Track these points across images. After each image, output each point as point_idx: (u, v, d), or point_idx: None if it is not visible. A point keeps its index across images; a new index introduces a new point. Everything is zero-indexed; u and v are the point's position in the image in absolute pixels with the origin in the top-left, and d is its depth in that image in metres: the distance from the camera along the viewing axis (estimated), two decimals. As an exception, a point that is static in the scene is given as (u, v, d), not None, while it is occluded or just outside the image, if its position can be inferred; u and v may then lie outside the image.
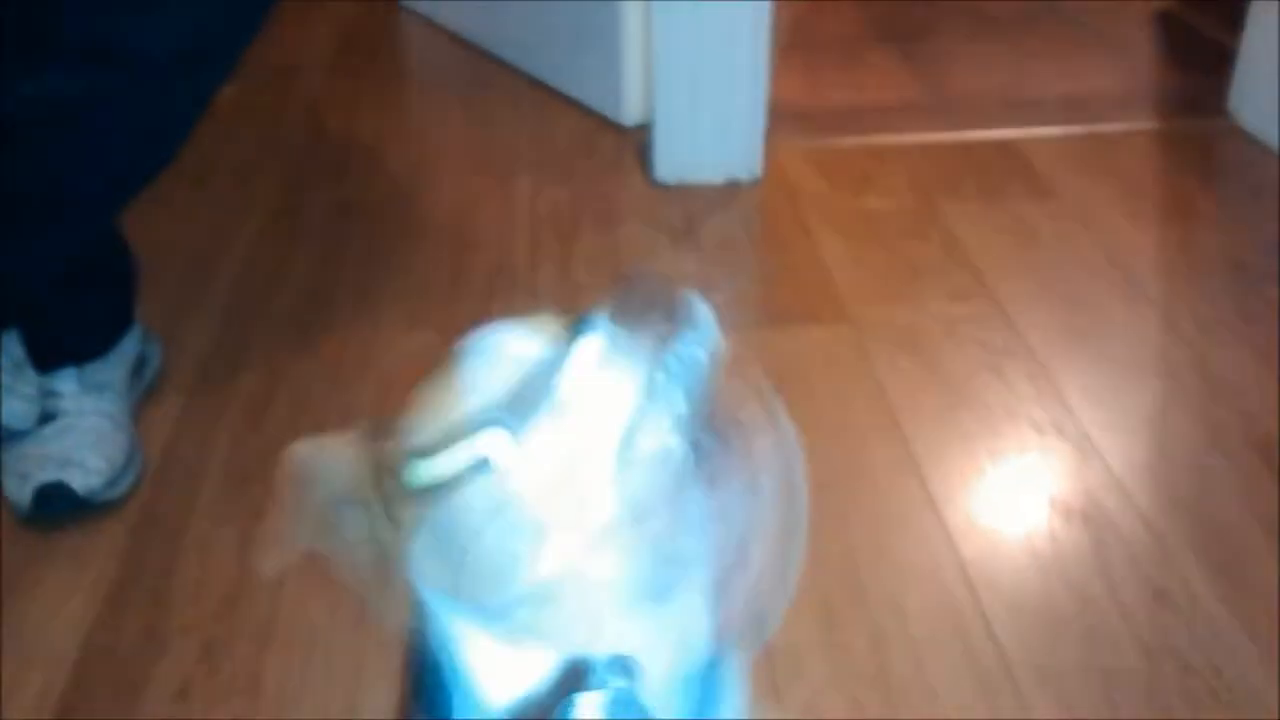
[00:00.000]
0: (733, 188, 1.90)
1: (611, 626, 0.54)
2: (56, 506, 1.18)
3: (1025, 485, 1.28)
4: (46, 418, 1.23)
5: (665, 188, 1.90)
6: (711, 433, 0.52)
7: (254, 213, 1.82)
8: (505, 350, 0.53)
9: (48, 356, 1.25)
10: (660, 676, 0.55)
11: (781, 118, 1.96)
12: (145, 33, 1.05)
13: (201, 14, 1.06)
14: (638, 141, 1.98)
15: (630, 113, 2.04)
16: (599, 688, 0.59)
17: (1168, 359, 1.48)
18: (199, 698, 1.04)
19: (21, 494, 1.19)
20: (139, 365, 1.36)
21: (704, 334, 0.52)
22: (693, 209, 1.85)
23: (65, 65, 1.04)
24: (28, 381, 1.23)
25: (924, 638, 1.09)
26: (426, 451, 0.51)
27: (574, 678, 0.67)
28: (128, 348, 1.33)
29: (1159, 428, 1.37)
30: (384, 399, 1.39)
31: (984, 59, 2.36)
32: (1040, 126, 2.08)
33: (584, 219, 1.82)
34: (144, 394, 1.37)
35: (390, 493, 0.53)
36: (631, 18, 1.94)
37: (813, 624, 1.10)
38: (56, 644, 1.09)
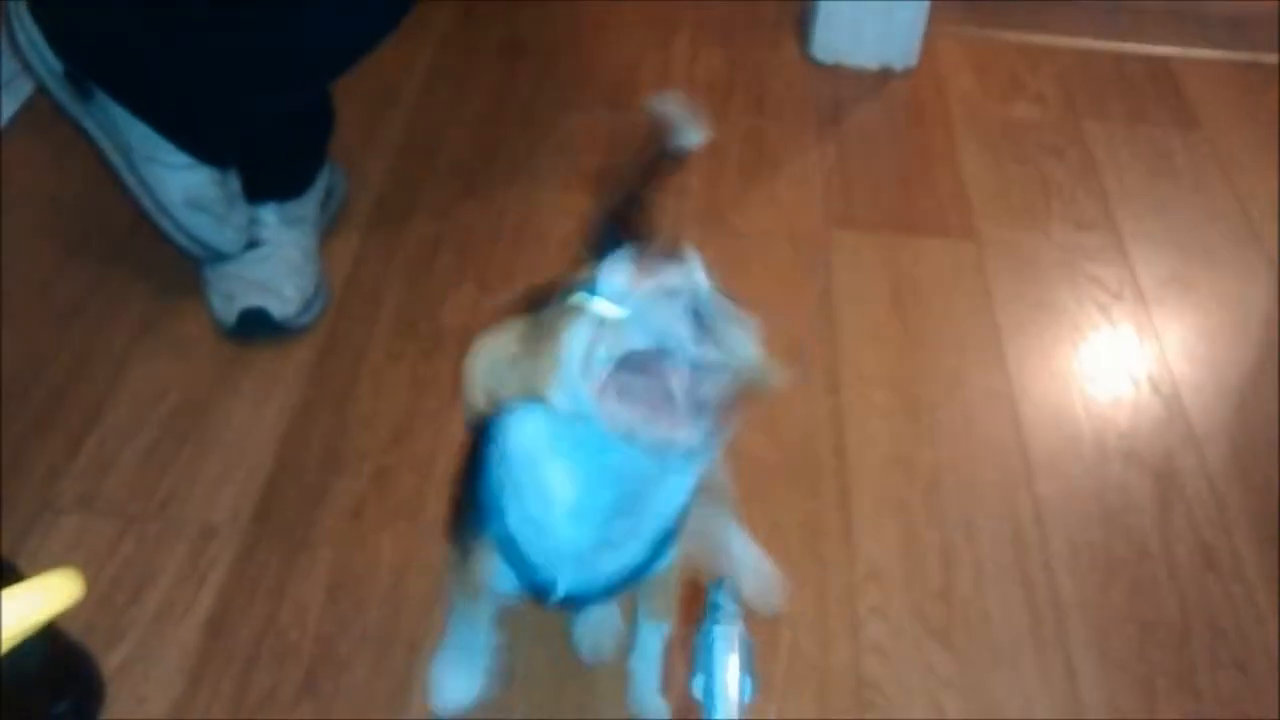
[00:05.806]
0: (885, 75, 1.95)
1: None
2: (256, 328, 1.36)
3: (1108, 433, 1.40)
4: (251, 245, 1.39)
5: (819, 66, 1.95)
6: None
7: (428, 48, 1.91)
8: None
9: (257, 190, 1.39)
10: None
11: (945, 4, 1.98)
12: None
13: None
14: (798, 14, 2.02)
15: (795, -19, 2.07)
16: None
17: (1270, 325, 1.56)
18: (370, 517, 1.23)
19: (227, 313, 1.36)
20: (326, 198, 1.50)
21: None
22: (842, 93, 1.91)
23: None
24: (240, 212, 1.38)
25: (990, 562, 1.25)
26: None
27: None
28: (320, 183, 1.48)
29: (1246, 395, 1.46)
30: (539, 258, 1.53)
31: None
32: (1200, 47, 2.07)
33: (736, 91, 1.89)
34: (329, 225, 1.52)
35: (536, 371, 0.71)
36: (812, -112, 1.95)
37: (892, 533, 1.26)
38: (253, 451, 1.28)
